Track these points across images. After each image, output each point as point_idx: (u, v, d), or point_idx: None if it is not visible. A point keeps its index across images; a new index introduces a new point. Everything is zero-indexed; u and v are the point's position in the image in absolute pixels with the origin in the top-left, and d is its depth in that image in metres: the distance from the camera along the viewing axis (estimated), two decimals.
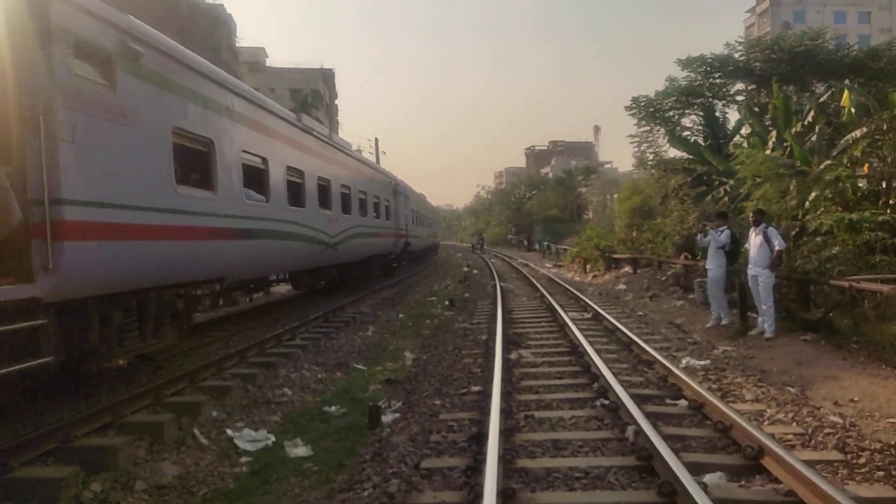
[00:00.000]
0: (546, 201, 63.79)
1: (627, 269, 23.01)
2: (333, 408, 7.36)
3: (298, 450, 5.99)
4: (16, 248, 5.68)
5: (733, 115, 25.50)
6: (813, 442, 5.39)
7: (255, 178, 10.87)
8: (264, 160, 11.13)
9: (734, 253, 11.80)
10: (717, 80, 24.55)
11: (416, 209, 33.38)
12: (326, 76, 66.86)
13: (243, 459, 5.83)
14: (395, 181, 26.57)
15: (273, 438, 6.27)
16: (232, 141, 9.77)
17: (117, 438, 5.71)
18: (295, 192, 12.86)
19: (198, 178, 8.98)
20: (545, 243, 48.26)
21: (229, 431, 6.40)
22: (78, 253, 6.12)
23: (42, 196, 5.71)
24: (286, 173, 12.20)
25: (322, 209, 14.57)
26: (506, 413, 6.18)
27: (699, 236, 12.52)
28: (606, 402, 6.56)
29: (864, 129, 13.01)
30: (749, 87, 24.94)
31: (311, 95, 56.08)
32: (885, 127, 12.25)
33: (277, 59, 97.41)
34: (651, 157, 26.90)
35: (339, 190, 16.39)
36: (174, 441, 6.01)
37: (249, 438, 6.23)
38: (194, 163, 8.98)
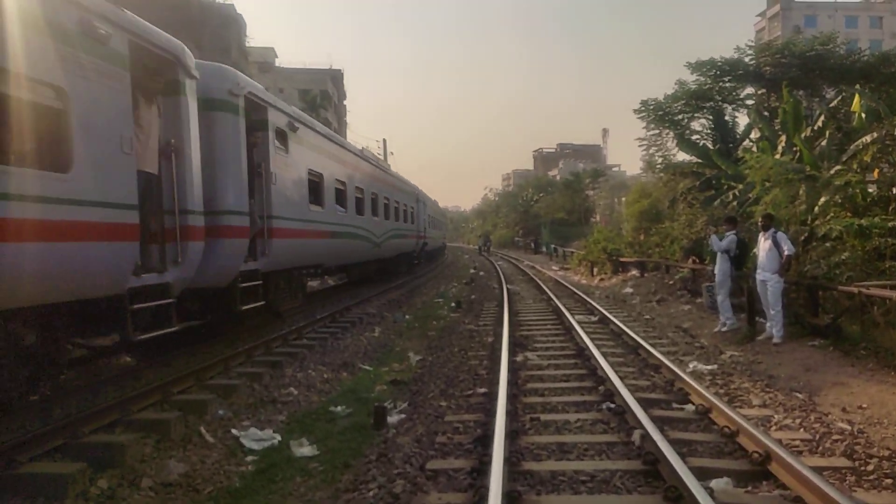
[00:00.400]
0: (553, 204, 63.67)
1: (635, 272, 22.95)
2: (339, 408, 7.37)
3: (304, 449, 6.00)
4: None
5: (743, 120, 25.41)
6: (820, 448, 5.36)
7: (339, 196, 15.78)
8: (343, 183, 16.12)
9: (741, 258, 11.73)
10: (727, 84, 24.49)
11: (430, 214, 38.26)
12: (335, 77, 67.16)
13: (249, 458, 5.84)
14: (417, 191, 32.07)
15: (279, 438, 6.28)
16: (330, 173, 14.83)
17: (124, 435, 5.74)
18: (359, 204, 17.84)
19: (314, 198, 13.65)
20: (552, 246, 48.19)
21: (235, 430, 6.42)
22: (276, 245, 11.19)
23: (263, 213, 10.73)
24: (355, 191, 17.30)
25: (373, 216, 19.56)
26: (511, 415, 6.17)
27: (713, 238, 12.50)
28: (612, 405, 6.54)
29: (875, 135, 12.96)
30: (759, 92, 24.88)
31: (320, 96, 56.30)
32: (895, 132, 12.19)
33: (287, 59, 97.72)
34: (659, 160, 26.88)
35: (383, 201, 21.38)
36: (181, 439, 6.03)
37: (255, 437, 6.24)
38: (314, 189, 13.68)
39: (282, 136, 11.52)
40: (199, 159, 8.52)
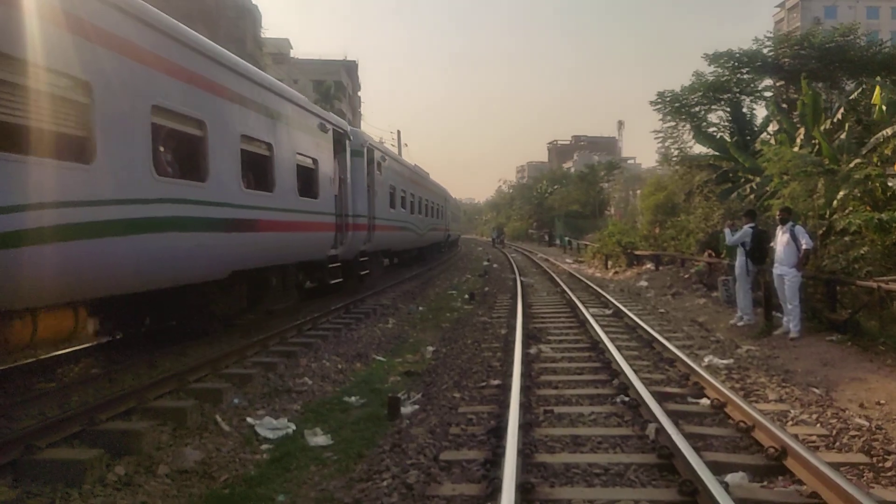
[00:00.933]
0: (568, 196, 63.32)
1: (649, 265, 22.83)
2: (353, 398, 7.40)
3: (318, 439, 6.03)
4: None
5: (761, 112, 25.15)
6: (837, 444, 5.31)
7: (402, 200, 22.34)
8: (404, 191, 22.78)
9: (757, 251, 11.55)
10: (745, 76, 24.21)
11: (452, 210, 46.08)
12: (350, 68, 67.03)
13: (264, 447, 5.88)
14: (446, 192, 39.94)
15: (293, 427, 6.31)
16: (397, 184, 21.55)
17: (141, 423, 5.79)
18: (411, 205, 24.37)
19: (392, 203, 20.28)
20: (566, 238, 48.02)
21: (250, 419, 6.47)
22: (376, 236, 17.48)
23: (366, 214, 16.40)
24: (409, 196, 24.00)
25: (418, 214, 26.25)
26: (525, 407, 6.17)
27: (726, 231, 12.38)
28: (627, 398, 6.52)
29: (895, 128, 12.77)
30: (777, 84, 24.59)
31: (335, 87, 56.24)
32: None
33: (302, 50, 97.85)
34: (676, 153, 26.63)
35: (424, 202, 28.24)
36: (196, 427, 6.08)
37: (270, 426, 6.28)
38: (391, 197, 20.29)
39: (379, 165, 18.14)
40: (350, 185, 15.01)
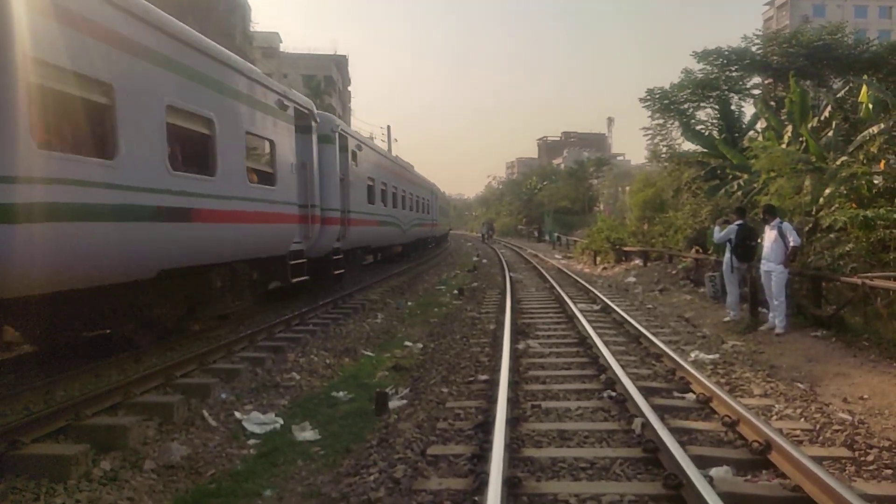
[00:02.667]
0: (557, 192, 63.51)
1: (638, 261, 22.93)
2: (341, 393, 7.40)
3: (306, 433, 6.03)
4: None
5: (749, 109, 25.23)
6: (821, 438, 5.37)
7: (383, 194, 20.52)
8: (385, 184, 20.96)
9: (742, 248, 11.55)
10: (734, 74, 24.31)
11: (441, 205, 43.95)
12: (340, 63, 66.83)
13: (251, 442, 5.88)
14: (433, 186, 37.85)
15: (281, 422, 6.31)
16: (377, 177, 19.71)
17: (127, 418, 5.77)
18: (394, 199, 22.71)
19: (370, 196, 18.48)
20: (555, 234, 48.14)
21: (238, 414, 6.45)
22: (352, 231, 15.79)
23: (341, 208, 14.65)
24: (391, 189, 22.13)
25: (402, 209, 24.46)
26: (512, 402, 6.18)
27: (715, 229, 12.45)
28: (614, 393, 6.56)
29: (882, 126, 12.88)
30: (766, 81, 24.70)
31: (324, 82, 56.02)
32: None
33: (291, 44, 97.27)
34: (664, 149, 26.72)
35: (409, 196, 26.62)
36: (183, 422, 6.07)
37: (257, 421, 6.28)
38: (370, 190, 18.44)
39: (354, 155, 16.42)
40: (318, 173, 13.20)
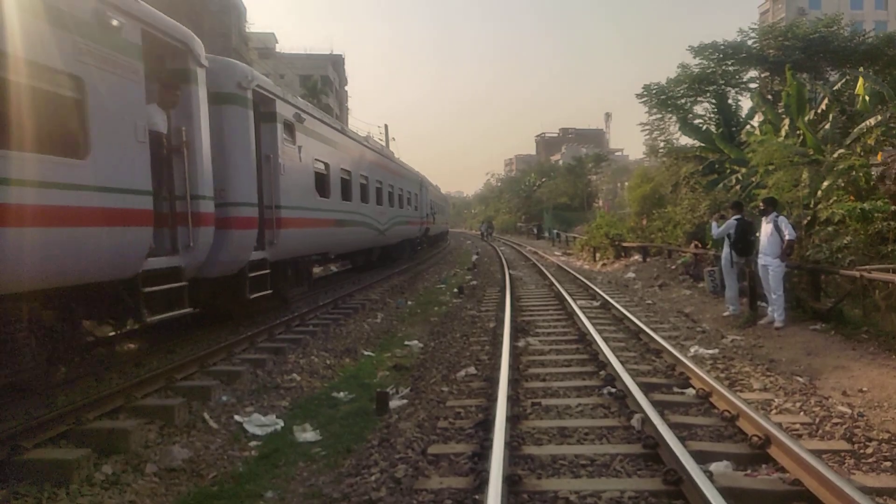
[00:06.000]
0: (556, 189, 63.53)
1: (637, 257, 22.94)
2: (342, 393, 7.41)
3: (307, 434, 6.04)
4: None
5: (746, 103, 25.30)
6: (820, 432, 5.38)
7: (344, 185, 15.65)
8: (348, 172, 16.02)
9: (741, 243, 11.55)
10: (730, 68, 24.34)
11: (433, 199, 38.07)
12: (336, 62, 66.73)
13: (252, 444, 5.89)
14: (421, 177, 31.92)
15: (282, 423, 6.32)
16: (336, 162, 14.90)
17: (129, 421, 5.78)
18: (364, 193, 17.79)
19: (321, 188, 13.70)
20: (555, 231, 48.16)
21: (238, 416, 6.46)
22: (284, 235, 11.22)
23: (272, 203, 10.76)
24: (360, 179, 17.31)
25: (377, 205, 19.53)
26: (512, 400, 6.20)
27: (713, 224, 12.48)
28: (613, 390, 6.57)
29: (879, 118, 12.90)
30: (762, 75, 24.73)
31: (321, 81, 55.95)
32: None
33: (288, 44, 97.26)
34: (662, 144, 26.75)
35: (387, 188, 21.47)
36: (184, 425, 6.08)
37: (258, 423, 6.29)
38: (320, 179, 13.79)
39: (289, 127, 11.63)
40: (208, 147, 8.61)
